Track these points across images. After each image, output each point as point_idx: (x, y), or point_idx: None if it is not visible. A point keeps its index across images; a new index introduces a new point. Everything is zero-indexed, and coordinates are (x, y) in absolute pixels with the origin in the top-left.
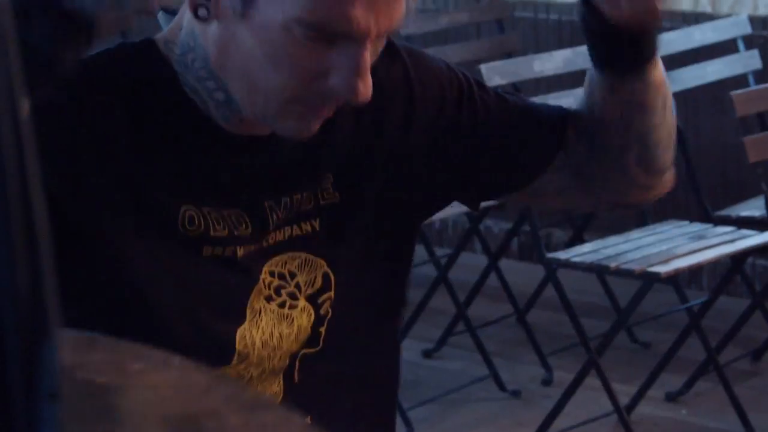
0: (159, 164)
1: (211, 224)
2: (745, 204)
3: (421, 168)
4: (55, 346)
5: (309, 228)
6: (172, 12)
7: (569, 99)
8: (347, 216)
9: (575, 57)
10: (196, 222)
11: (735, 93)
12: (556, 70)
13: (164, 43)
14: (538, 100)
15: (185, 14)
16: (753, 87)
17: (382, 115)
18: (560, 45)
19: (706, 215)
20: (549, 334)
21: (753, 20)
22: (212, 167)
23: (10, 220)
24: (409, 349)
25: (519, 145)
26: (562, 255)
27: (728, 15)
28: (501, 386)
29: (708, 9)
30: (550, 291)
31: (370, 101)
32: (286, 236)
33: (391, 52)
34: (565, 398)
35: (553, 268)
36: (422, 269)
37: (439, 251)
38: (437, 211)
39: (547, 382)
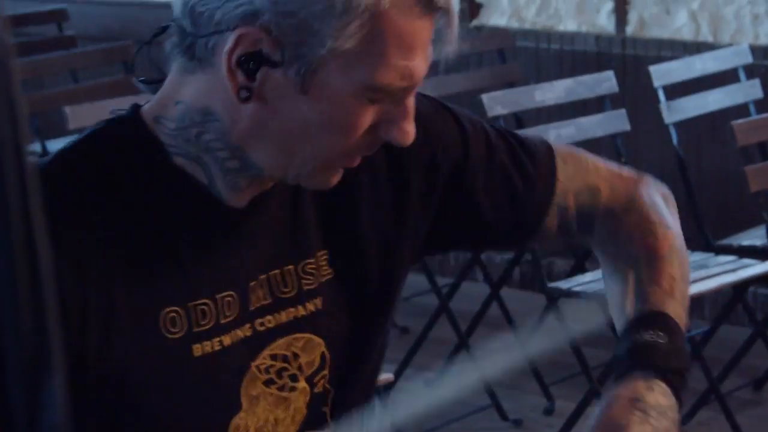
0: (150, 254)
1: (194, 320)
2: (746, 233)
3: (415, 232)
4: (57, 381)
5: (312, 308)
6: (150, 82)
7: (570, 128)
8: (342, 293)
9: (576, 86)
10: (178, 323)
11: (736, 123)
12: (558, 100)
13: (153, 119)
14: (540, 129)
15: (184, 91)
16: (754, 116)
17: (374, 190)
18: (561, 74)
19: (708, 244)
20: (551, 363)
21: (754, 49)
22: (206, 243)
23: (15, 259)
24: (411, 379)
25: (516, 203)
26: (563, 284)
27: (729, 44)
28: (503, 416)
29: (709, 38)
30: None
31: (360, 178)
32: (291, 317)
33: None
34: (567, 427)
35: (554, 297)
36: (424, 299)
37: (441, 281)
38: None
39: (549, 411)
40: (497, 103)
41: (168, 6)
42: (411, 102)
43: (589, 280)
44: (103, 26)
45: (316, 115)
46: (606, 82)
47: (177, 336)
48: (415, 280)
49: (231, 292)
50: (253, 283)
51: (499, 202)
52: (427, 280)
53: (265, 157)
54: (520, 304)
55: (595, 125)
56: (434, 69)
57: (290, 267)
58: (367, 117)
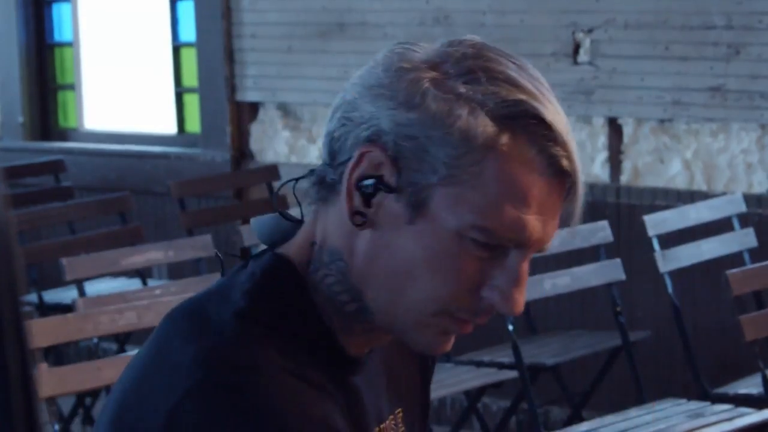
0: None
1: None
2: (742, 382)
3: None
4: None
5: None
6: (292, 219)
7: (566, 278)
8: None
9: (571, 236)
10: None
11: (730, 272)
12: (553, 250)
13: (299, 263)
14: (535, 279)
15: (317, 231)
16: (748, 266)
17: (419, 357)
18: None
19: (704, 393)
20: None
21: (747, 198)
22: (337, 391)
23: (12, 410)
24: None
25: None
26: None
27: (723, 193)
28: None
29: (703, 187)
30: None
31: None
32: None
33: None
34: None
35: None
36: None
37: (438, 430)
38: None
39: None
40: None
41: (165, 157)
42: (523, 268)
43: (586, 429)
44: (100, 177)
45: (420, 250)
46: (601, 231)
47: None
48: None
49: None
50: None
51: None
52: None
53: (376, 298)
54: None
55: (590, 275)
56: None
57: (385, 424)
58: (471, 264)
